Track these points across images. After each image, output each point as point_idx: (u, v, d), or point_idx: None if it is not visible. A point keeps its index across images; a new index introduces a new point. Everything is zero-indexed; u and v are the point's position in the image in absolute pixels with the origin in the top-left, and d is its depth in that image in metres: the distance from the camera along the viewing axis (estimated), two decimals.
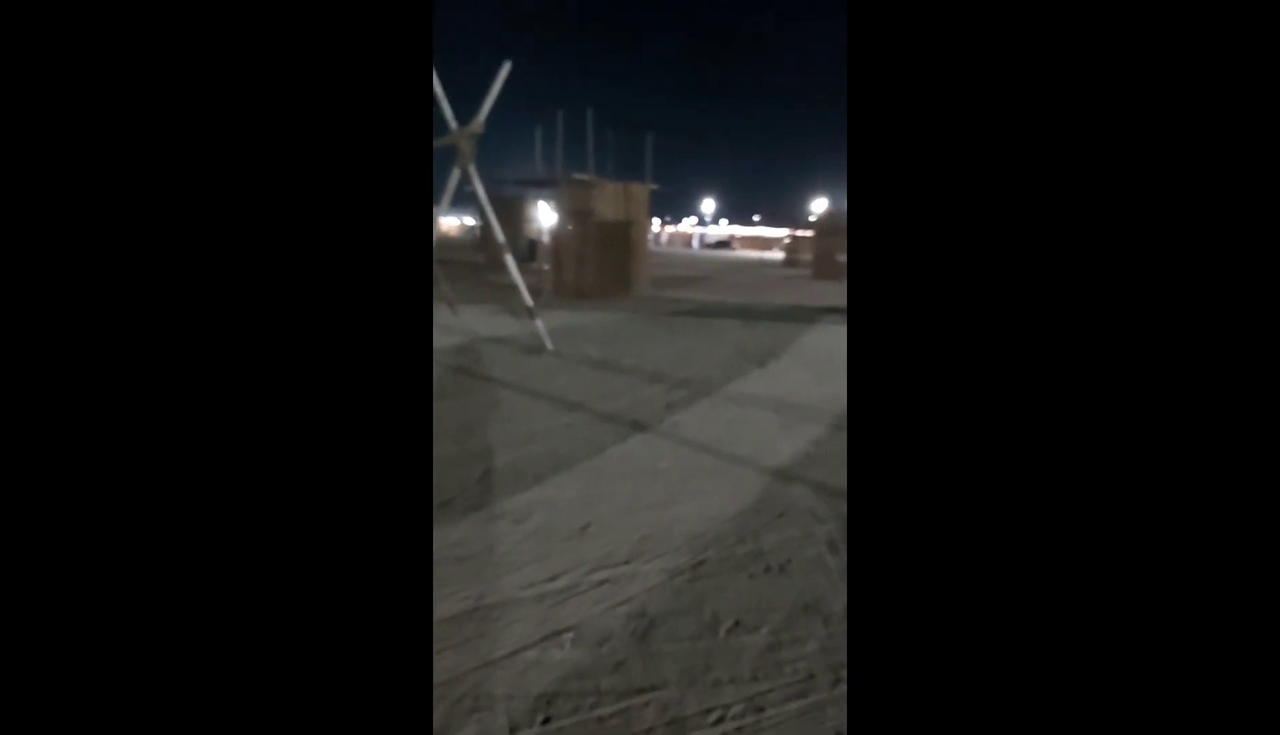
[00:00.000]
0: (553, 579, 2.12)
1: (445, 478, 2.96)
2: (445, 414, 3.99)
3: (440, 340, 6.58)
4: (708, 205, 52.04)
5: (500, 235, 6.51)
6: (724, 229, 55.43)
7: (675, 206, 60.14)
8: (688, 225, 56.54)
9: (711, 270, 20.62)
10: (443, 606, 1.92)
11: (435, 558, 2.20)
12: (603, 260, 11.44)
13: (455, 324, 7.67)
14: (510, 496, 2.78)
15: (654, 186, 13.08)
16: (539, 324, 6.38)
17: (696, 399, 4.63)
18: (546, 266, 12.10)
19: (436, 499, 2.70)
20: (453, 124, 6.19)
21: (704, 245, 46.48)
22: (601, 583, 2.11)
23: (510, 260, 6.44)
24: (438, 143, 6.38)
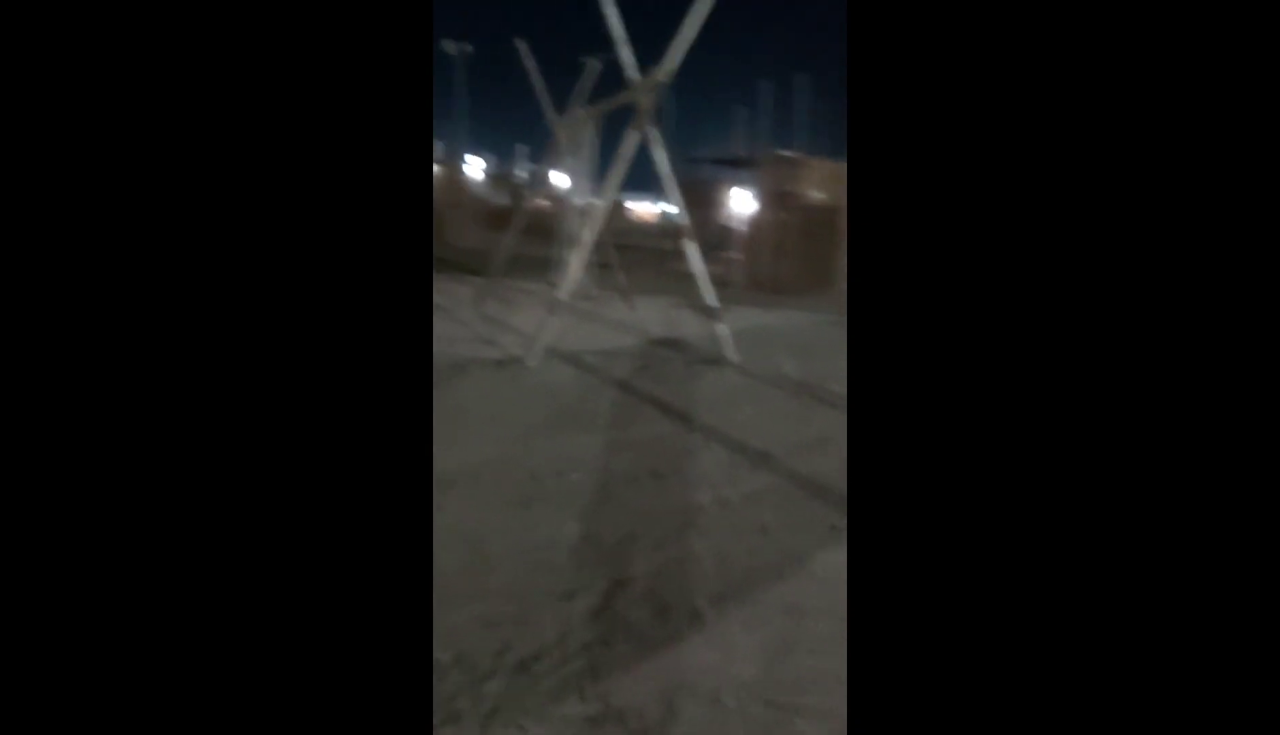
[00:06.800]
0: None
1: (540, 605, 1.84)
2: (588, 456, 2.94)
3: (611, 340, 5.65)
4: None
5: (684, 217, 5.35)
6: None
7: None
8: None
9: None
10: None
11: None
12: (802, 251, 9.92)
13: (629, 320, 6.73)
14: (641, 662, 1.61)
15: None
16: (721, 329, 5.17)
17: None
18: (739, 256, 10.87)
19: (495, 648, 1.62)
20: (634, 76, 4.88)
21: None
22: None
23: (691, 248, 5.24)
24: (617, 101, 5.33)
